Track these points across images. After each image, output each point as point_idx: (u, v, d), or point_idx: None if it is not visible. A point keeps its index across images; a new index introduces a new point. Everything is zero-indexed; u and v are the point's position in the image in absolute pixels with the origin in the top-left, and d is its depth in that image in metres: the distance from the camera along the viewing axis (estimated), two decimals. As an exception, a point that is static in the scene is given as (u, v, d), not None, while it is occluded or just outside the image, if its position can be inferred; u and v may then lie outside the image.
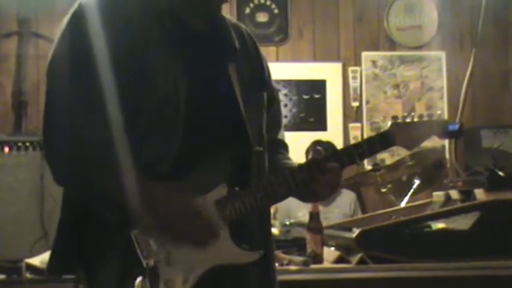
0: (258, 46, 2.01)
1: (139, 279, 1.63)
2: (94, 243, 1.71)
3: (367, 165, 5.52)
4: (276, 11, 5.82)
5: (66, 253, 1.77)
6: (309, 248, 3.13)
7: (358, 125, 5.76)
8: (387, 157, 5.57)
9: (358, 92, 5.80)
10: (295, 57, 5.79)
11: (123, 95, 1.68)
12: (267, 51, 5.51)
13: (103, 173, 1.67)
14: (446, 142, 5.69)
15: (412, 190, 4.26)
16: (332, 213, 4.79)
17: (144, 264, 1.65)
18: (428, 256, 3.09)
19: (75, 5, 1.75)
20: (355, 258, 3.09)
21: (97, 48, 1.68)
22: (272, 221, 2.66)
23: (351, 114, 5.78)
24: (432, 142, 5.35)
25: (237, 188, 1.78)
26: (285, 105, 5.67)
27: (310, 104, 5.76)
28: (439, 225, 3.24)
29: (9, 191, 3.85)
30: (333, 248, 3.31)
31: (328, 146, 4.66)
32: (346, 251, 3.20)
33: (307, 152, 4.92)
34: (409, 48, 5.88)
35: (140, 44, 1.72)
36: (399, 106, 5.71)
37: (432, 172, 4.39)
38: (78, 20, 1.72)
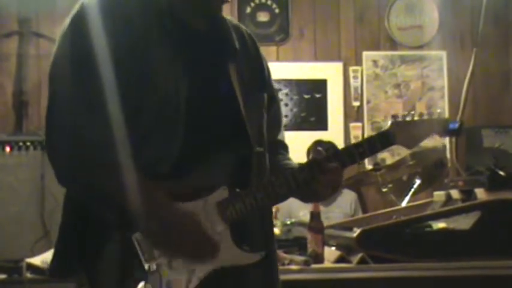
0: (258, 46, 2.01)
1: (141, 284, 1.63)
2: (95, 244, 1.71)
3: (368, 165, 5.52)
4: (276, 10, 5.82)
5: (67, 255, 1.77)
6: (310, 247, 3.13)
7: (359, 124, 5.76)
8: (388, 157, 5.57)
9: (359, 91, 5.80)
10: (296, 57, 5.79)
11: (124, 95, 1.68)
12: (267, 51, 5.51)
13: (103, 173, 1.67)
14: (447, 142, 5.69)
15: (412, 190, 4.27)
16: (333, 213, 4.79)
17: (146, 268, 1.65)
18: (429, 256, 3.09)
19: (77, 6, 1.75)
20: (355, 258, 3.09)
21: (98, 49, 1.69)
22: (273, 221, 2.66)
23: (351, 114, 5.78)
24: (433, 142, 5.37)
25: (237, 189, 1.78)
26: (286, 105, 5.67)
27: (311, 103, 5.76)
28: (440, 224, 3.23)
29: (10, 191, 3.85)
30: (333, 248, 3.31)
31: (329, 146, 4.66)
32: (347, 250, 3.20)
33: (308, 152, 4.91)
34: (409, 48, 5.88)
35: (140, 44, 1.72)
36: (400, 106, 5.71)
37: (433, 172, 4.39)
38: (79, 20, 1.72)
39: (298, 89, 5.75)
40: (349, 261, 3.15)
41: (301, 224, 3.59)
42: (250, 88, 1.88)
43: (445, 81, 5.84)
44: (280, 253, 3.08)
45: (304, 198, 2.00)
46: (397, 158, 5.02)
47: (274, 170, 1.92)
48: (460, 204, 3.35)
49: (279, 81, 5.55)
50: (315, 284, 3.03)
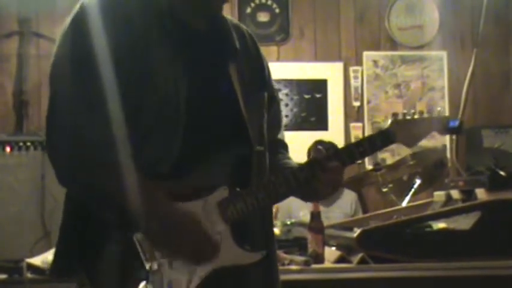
0: (258, 46, 2.01)
1: (142, 283, 1.63)
2: (95, 244, 1.71)
3: (368, 165, 5.52)
4: (277, 10, 5.82)
5: (68, 255, 1.77)
6: (310, 247, 3.13)
7: (360, 124, 5.76)
8: (388, 157, 5.57)
9: (360, 91, 5.80)
10: (297, 57, 5.79)
11: (124, 95, 1.68)
12: (268, 51, 5.51)
13: (103, 173, 1.67)
14: (447, 142, 5.69)
15: (413, 190, 4.26)
16: (333, 213, 4.79)
17: (147, 267, 1.65)
18: (429, 256, 3.09)
19: (77, 6, 1.75)
20: (356, 258, 3.09)
21: (98, 49, 1.69)
22: (273, 221, 2.66)
23: (352, 114, 5.78)
24: (433, 142, 5.37)
25: (238, 189, 1.78)
26: (286, 105, 5.67)
27: (312, 103, 5.76)
28: (440, 225, 3.23)
29: (10, 191, 3.85)
30: (334, 248, 3.31)
31: (330, 146, 4.66)
32: (347, 250, 3.20)
33: (308, 152, 4.91)
34: (410, 48, 5.87)
35: (140, 44, 1.72)
36: (400, 106, 5.71)
37: (433, 172, 4.39)
38: (79, 20, 1.73)
39: (298, 89, 5.75)
40: (349, 262, 3.15)
41: (301, 224, 3.58)
42: (250, 88, 1.89)
43: (446, 82, 5.84)
44: (281, 253, 3.08)
45: (305, 197, 2.00)
46: (397, 158, 5.02)
47: (274, 169, 1.93)
48: (460, 205, 3.35)
49: (279, 81, 5.55)
50: (315, 284, 3.03)
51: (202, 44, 1.84)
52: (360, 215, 4.86)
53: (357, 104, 5.78)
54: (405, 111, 1.99)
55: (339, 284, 3.03)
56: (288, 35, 5.81)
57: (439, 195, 3.62)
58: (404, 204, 4.12)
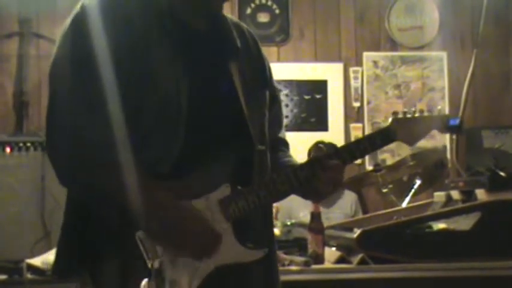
0: (259, 45, 2.01)
1: (145, 280, 1.63)
2: (96, 244, 1.71)
3: (368, 166, 5.52)
4: (277, 11, 5.82)
5: (70, 255, 1.77)
6: (310, 248, 3.13)
7: (360, 125, 5.76)
8: (388, 157, 5.58)
9: (360, 92, 5.80)
10: (297, 58, 5.79)
11: (124, 95, 1.68)
12: (268, 51, 5.48)
13: (103, 173, 1.67)
14: (447, 142, 5.69)
15: (413, 190, 4.26)
16: (333, 214, 4.79)
17: (150, 266, 1.65)
18: (429, 256, 3.09)
19: (77, 7, 1.75)
20: (356, 259, 3.09)
21: (98, 49, 1.69)
22: (273, 221, 2.66)
23: (352, 115, 5.78)
24: (433, 142, 5.37)
25: (239, 187, 1.78)
26: (286, 106, 5.67)
27: (312, 104, 5.76)
28: (440, 225, 3.24)
29: (10, 192, 3.86)
30: (334, 249, 3.31)
31: (330, 146, 4.66)
32: (347, 251, 3.20)
33: (309, 153, 4.91)
34: (410, 49, 5.88)
35: (140, 44, 1.72)
36: (400, 106, 5.70)
37: (433, 172, 4.39)
38: (80, 21, 1.73)
39: (298, 89, 5.75)
40: (349, 262, 3.15)
41: (301, 224, 3.58)
42: (252, 86, 1.89)
43: (446, 82, 5.84)
44: (281, 254, 3.08)
45: (306, 196, 2.00)
46: (397, 158, 5.02)
47: (275, 167, 1.93)
48: (460, 205, 3.35)
49: (279, 82, 5.54)
50: (315, 284, 3.03)
51: (202, 44, 1.84)
52: (360, 216, 4.85)
53: (357, 104, 5.78)
54: (406, 109, 2.00)
55: (339, 284, 3.03)
56: (288, 35, 5.81)
57: (439, 195, 3.62)
58: (404, 204, 4.12)
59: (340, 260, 3.19)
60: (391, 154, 5.58)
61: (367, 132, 5.67)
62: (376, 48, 5.86)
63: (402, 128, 1.96)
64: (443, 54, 5.85)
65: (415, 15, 5.89)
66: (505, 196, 3.27)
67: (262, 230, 1.89)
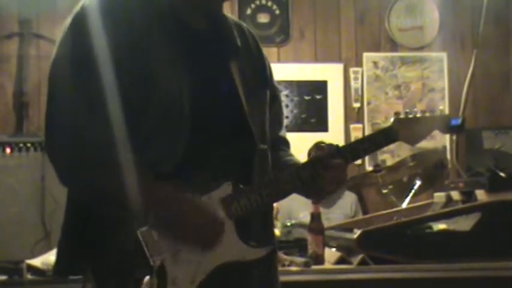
0: (259, 45, 2.02)
1: (147, 278, 1.63)
2: (97, 243, 1.71)
3: (368, 166, 5.52)
4: (277, 11, 5.82)
5: (70, 255, 1.77)
6: (310, 249, 3.13)
7: (360, 125, 5.76)
8: (388, 158, 5.58)
9: (360, 93, 5.80)
10: (297, 58, 5.79)
11: (126, 96, 1.68)
12: (268, 52, 5.45)
13: (103, 173, 1.67)
14: (447, 143, 5.69)
15: (413, 191, 4.27)
16: (333, 214, 4.79)
17: (152, 263, 1.65)
18: (429, 257, 3.09)
19: (78, 7, 1.75)
20: (356, 259, 3.09)
21: (98, 49, 1.69)
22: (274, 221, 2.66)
23: (352, 115, 5.78)
24: (433, 143, 5.37)
25: (241, 186, 1.78)
26: (287, 106, 5.67)
27: (312, 104, 5.76)
28: (440, 226, 3.23)
29: (10, 192, 3.86)
30: (334, 249, 3.31)
31: (332, 146, 4.66)
32: (347, 252, 3.20)
33: (309, 154, 4.91)
34: (410, 49, 5.88)
35: (141, 44, 1.72)
36: (400, 107, 5.70)
37: (433, 173, 4.39)
38: (80, 21, 1.73)
39: (298, 90, 5.75)
40: (349, 263, 3.14)
41: (301, 225, 3.59)
42: (252, 85, 1.89)
43: (446, 83, 5.84)
44: (281, 254, 3.08)
45: (308, 195, 2.00)
46: (397, 159, 5.02)
47: (276, 166, 1.93)
48: (460, 206, 3.35)
49: (279, 82, 5.53)
50: (315, 285, 3.03)
51: (203, 43, 1.84)
52: (360, 216, 4.86)
53: (357, 105, 5.78)
54: (407, 110, 2.00)
55: (339, 285, 3.03)
56: (288, 36, 5.81)
57: (439, 196, 3.62)
58: (404, 205, 4.12)
59: (340, 261, 3.19)
60: (391, 155, 5.58)
61: (367, 132, 5.67)
62: (376, 48, 5.86)
63: (404, 128, 1.96)
64: (444, 55, 5.85)
65: (415, 16, 5.90)
66: (505, 197, 3.27)
67: (263, 230, 1.89)
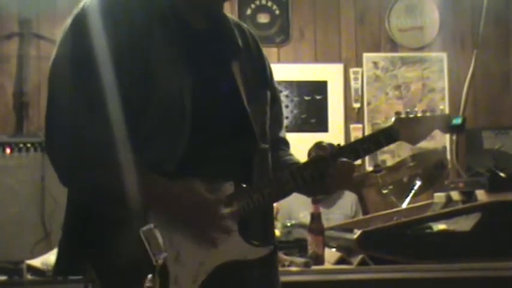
0: (259, 45, 2.02)
1: (149, 276, 1.63)
2: (97, 243, 1.71)
3: (368, 167, 5.52)
4: (277, 12, 5.82)
5: (71, 255, 1.78)
6: (310, 249, 3.13)
7: (360, 126, 5.76)
8: (388, 158, 5.57)
9: (360, 93, 5.79)
10: (297, 58, 5.79)
11: (126, 96, 1.68)
12: (268, 52, 5.43)
13: (103, 173, 1.67)
14: (447, 143, 5.69)
15: (413, 191, 4.26)
16: (333, 215, 4.78)
17: (154, 262, 1.65)
18: (429, 257, 3.09)
19: (78, 7, 1.76)
20: (356, 260, 3.09)
21: (99, 49, 1.69)
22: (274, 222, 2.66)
23: (352, 116, 5.78)
24: (433, 143, 5.37)
25: (243, 185, 1.78)
26: (286, 107, 5.67)
27: (312, 105, 5.76)
28: (440, 226, 3.24)
29: (10, 192, 3.85)
30: (334, 249, 3.31)
31: (332, 145, 4.66)
32: (347, 252, 3.20)
33: (309, 154, 4.90)
34: (410, 50, 5.87)
35: (141, 45, 1.72)
36: (400, 107, 5.69)
37: (433, 173, 4.39)
38: (80, 21, 1.73)
39: (298, 90, 5.75)
40: (349, 263, 3.15)
41: (301, 225, 3.59)
42: (253, 85, 1.89)
43: (446, 83, 5.84)
44: (281, 255, 3.08)
45: (311, 194, 2.00)
46: (397, 159, 5.02)
47: (276, 165, 1.94)
48: (460, 206, 3.35)
49: (279, 82, 5.54)
50: (315, 285, 3.03)
51: (203, 43, 1.84)
52: (360, 217, 4.85)
53: (357, 105, 5.78)
54: (408, 109, 2.00)
55: (339, 285, 3.03)
56: (288, 36, 5.81)
57: (439, 196, 3.62)
58: (404, 205, 4.12)
59: (340, 261, 3.19)
60: (391, 155, 5.58)
61: (367, 133, 5.66)
62: (376, 49, 5.86)
63: (405, 128, 1.96)
64: (444, 55, 5.85)
65: (415, 16, 5.89)
66: (505, 197, 3.27)
67: (264, 230, 1.89)
